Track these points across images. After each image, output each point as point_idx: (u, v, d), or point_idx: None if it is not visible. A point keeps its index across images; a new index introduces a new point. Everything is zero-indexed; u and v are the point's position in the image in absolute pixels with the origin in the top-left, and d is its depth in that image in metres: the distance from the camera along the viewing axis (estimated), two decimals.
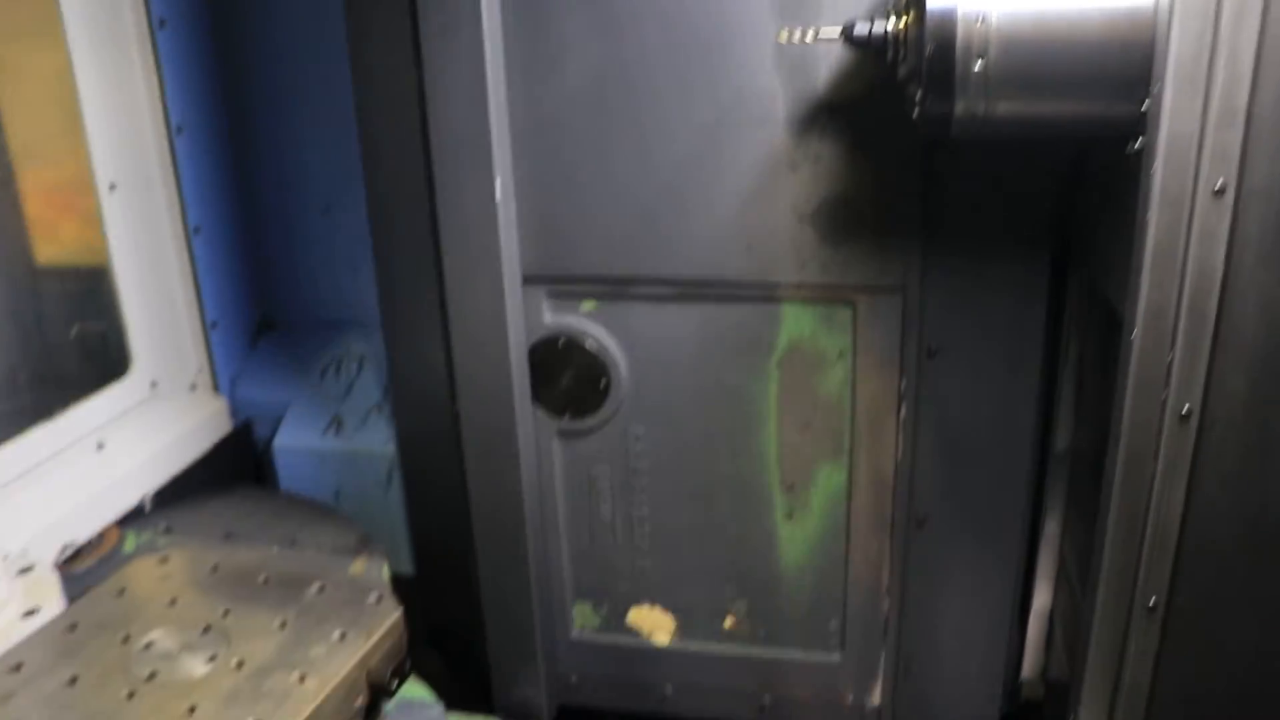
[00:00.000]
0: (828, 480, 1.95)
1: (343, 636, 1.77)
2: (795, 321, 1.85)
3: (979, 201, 1.71)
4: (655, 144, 1.79)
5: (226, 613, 1.85)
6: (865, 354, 1.84)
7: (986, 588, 1.97)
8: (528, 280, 1.91)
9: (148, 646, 1.78)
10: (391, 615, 1.82)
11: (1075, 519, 1.92)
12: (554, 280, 1.92)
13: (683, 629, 2.16)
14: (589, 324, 1.94)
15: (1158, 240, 1.28)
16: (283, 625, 1.80)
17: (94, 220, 2.30)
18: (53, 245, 2.32)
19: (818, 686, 2.13)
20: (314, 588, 1.90)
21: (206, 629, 1.81)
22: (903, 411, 1.85)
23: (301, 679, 1.67)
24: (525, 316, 1.94)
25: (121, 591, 1.94)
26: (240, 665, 1.71)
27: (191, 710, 1.62)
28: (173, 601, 1.89)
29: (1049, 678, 2.08)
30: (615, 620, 2.19)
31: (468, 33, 1.74)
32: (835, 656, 2.10)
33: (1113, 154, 1.37)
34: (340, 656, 1.72)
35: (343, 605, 1.85)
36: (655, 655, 2.18)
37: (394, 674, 1.77)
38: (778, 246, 1.79)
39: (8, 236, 2.21)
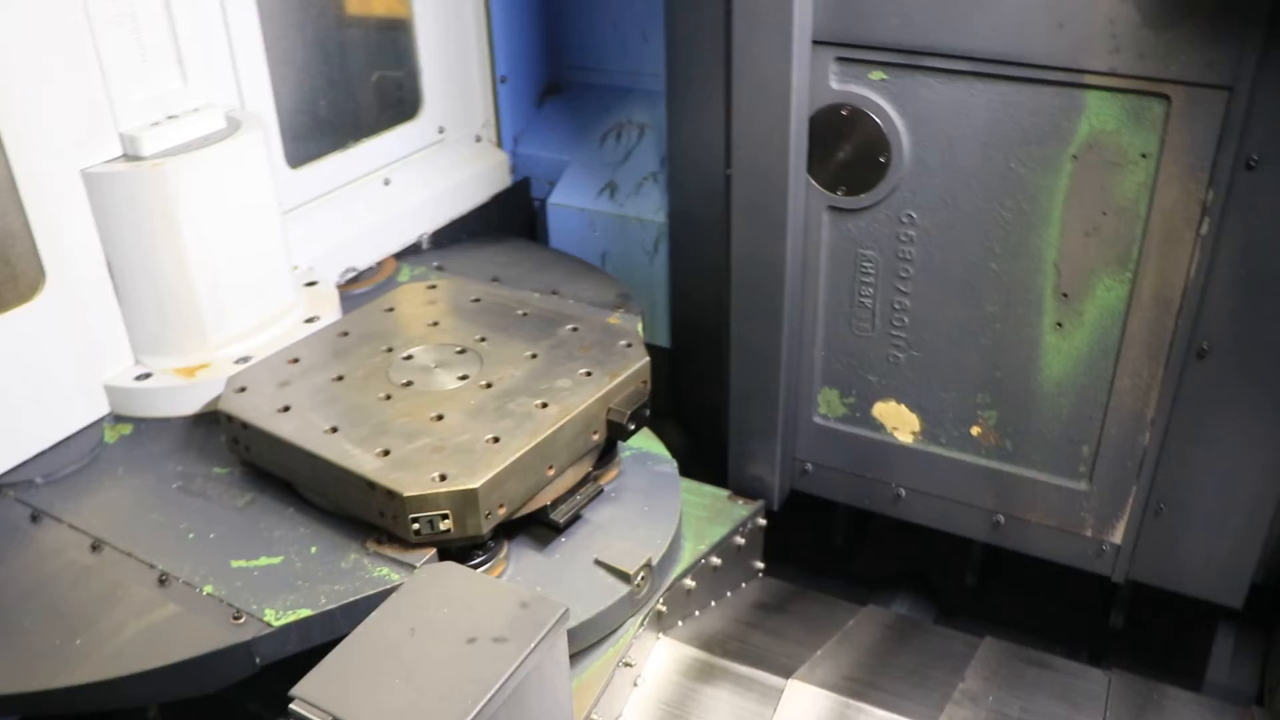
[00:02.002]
0: (1106, 293, 1.83)
1: (588, 374, 1.82)
2: (1099, 112, 1.71)
3: None
4: None
5: (483, 339, 1.94)
6: (1172, 157, 1.68)
7: (1265, 436, 1.82)
8: (818, 43, 1.85)
9: (408, 358, 1.90)
10: (638, 361, 1.86)
11: None
12: (845, 45, 1.84)
13: (927, 431, 2.11)
14: (876, 95, 1.86)
15: None
16: (533, 356, 1.88)
17: None
18: (365, 6, 2.42)
19: (1057, 513, 2.05)
20: (568, 327, 1.96)
21: (462, 350, 1.91)
22: (1204, 227, 1.70)
23: (543, 406, 1.74)
24: (811, 82, 1.88)
25: (390, 309, 2.07)
26: (488, 386, 1.80)
27: (439, 418, 1.72)
28: (435, 323, 2.00)
29: None
30: (860, 412, 2.17)
31: None
32: (1082, 484, 2.01)
33: None
34: (583, 391, 1.78)
35: (593, 346, 1.90)
36: (894, 453, 2.16)
37: (633, 418, 1.81)
38: (1092, 25, 1.64)
39: None
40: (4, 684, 1.43)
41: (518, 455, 1.62)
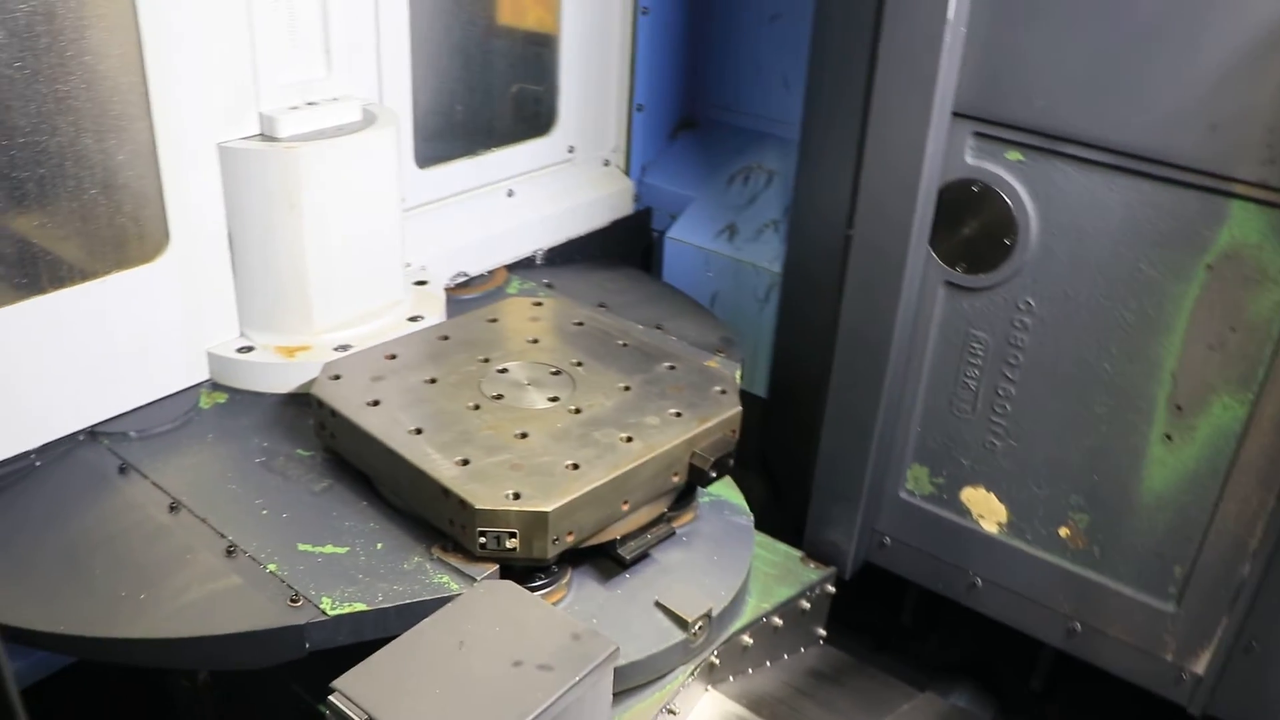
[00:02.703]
0: (1223, 412, 1.76)
1: (678, 415, 1.81)
2: (1242, 224, 1.64)
3: None
4: None
5: (579, 363, 1.94)
6: None
7: None
8: (958, 115, 1.82)
9: (502, 371, 1.91)
10: (729, 409, 1.84)
11: None
12: (985, 120, 1.80)
13: (1013, 523, 2.05)
14: (1010, 176, 1.82)
15: None
16: (626, 389, 1.87)
17: (553, 6, 2.41)
18: (515, 19, 2.46)
19: (1138, 631, 1.96)
20: (665, 364, 1.95)
21: (557, 372, 1.91)
22: None
23: (628, 439, 1.73)
24: (945, 154, 1.85)
25: (494, 320, 2.08)
26: (577, 411, 1.80)
27: (523, 436, 1.72)
28: (535, 340, 2.01)
29: None
30: (948, 494, 2.11)
31: None
32: (1169, 606, 1.92)
33: None
34: (670, 431, 1.77)
35: (687, 387, 1.89)
36: (977, 541, 2.09)
37: (716, 465, 1.79)
38: (1248, 132, 1.58)
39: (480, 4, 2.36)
40: (69, 625, 1.47)
41: (594, 485, 1.61)
